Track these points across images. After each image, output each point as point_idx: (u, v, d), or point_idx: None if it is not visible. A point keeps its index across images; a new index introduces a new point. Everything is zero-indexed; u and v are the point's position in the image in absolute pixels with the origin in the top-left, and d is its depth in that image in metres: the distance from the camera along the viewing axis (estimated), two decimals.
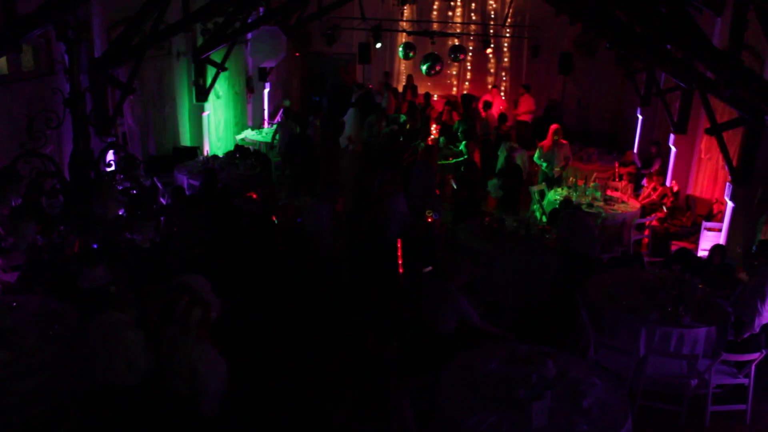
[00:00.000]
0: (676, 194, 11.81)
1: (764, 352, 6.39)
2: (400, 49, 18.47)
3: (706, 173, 11.99)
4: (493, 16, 19.33)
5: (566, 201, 9.68)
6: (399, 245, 9.12)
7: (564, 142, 12.35)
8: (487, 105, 16.51)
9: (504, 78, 19.92)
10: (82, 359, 5.72)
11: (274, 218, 8.97)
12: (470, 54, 19.50)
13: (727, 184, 9.21)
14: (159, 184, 11.32)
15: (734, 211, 9.15)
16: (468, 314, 6.44)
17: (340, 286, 8.91)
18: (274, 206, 9.15)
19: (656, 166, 13.01)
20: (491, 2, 19.28)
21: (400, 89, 19.23)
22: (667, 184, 12.53)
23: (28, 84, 8.93)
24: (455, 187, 10.87)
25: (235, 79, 15.72)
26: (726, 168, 9.39)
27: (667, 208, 11.41)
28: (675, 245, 10.28)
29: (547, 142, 12.30)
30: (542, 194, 11.74)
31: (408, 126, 14.46)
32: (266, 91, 17.74)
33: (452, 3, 19.15)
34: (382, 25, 18.22)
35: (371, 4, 18.25)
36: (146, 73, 11.98)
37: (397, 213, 9.15)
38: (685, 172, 12.71)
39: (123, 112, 10.77)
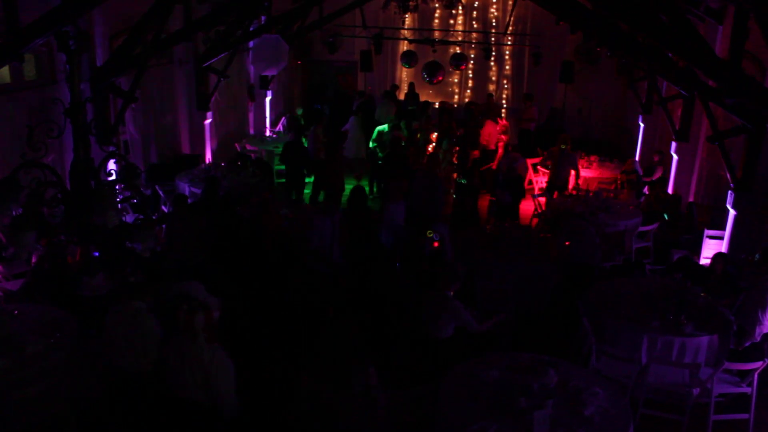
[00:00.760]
0: (676, 201, 11.80)
1: (767, 361, 6.36)
2: (402, 57, 18.53)
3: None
4: (494, 24, 19.38)
5: (569, 209, 9.68)
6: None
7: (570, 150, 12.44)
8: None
9: (505, 86, 19.95)
10: (85, 362, 5.74)
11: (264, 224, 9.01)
12: (471, 62, 19.53)
13: (729, 192, 9.20)
14: (161, 192, 11.33)
15: (736, 218, 9.13)
16: (466, 320, 6.49)
17: (338, 293, 8.88)
18: (265, 213, 9.17)
19: (658, 174, 13.00)
20: (492, 10, 19.33)
21: (402, 97, 19.27)
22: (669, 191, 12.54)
23: (31, 93, 8.95)
24: (454, 196, 10.86)
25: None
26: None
27: (668, 217, 11.40)
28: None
29: (554, 150, 12.39)
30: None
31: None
32: (268, 99, 17.77)
33: (454, 11, 19.20)
34: (384, 33, 18.27)
35: (372, 12, 18.30)
36: (148, 82, 12.01)
37: (393, 221, 9.34)
38: (687, 180, 12.71)
39: (125, 120, 10.80)
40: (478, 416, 5.11)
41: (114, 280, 6.93)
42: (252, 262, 8.74)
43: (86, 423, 5.88)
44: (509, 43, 19.33)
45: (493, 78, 19.99)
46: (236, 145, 15.34)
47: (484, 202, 12.87)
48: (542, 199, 12.38)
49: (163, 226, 9.08)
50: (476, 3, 19.29)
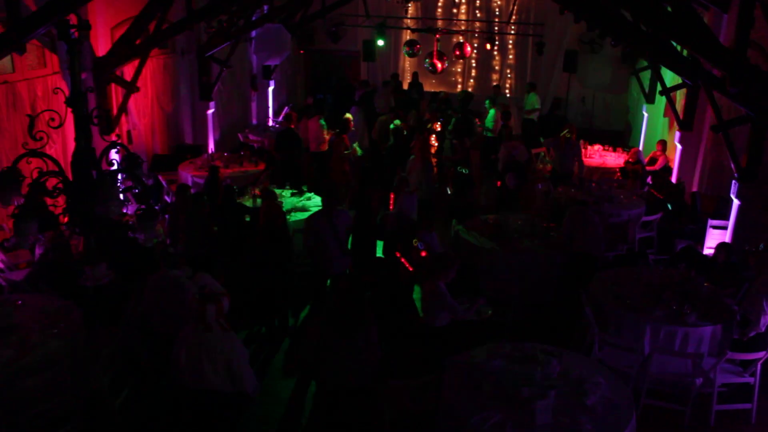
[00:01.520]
0: (680, 191, 11.76)
1: None
2: (404, 46, 18.46)
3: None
4: (497, 13, 19.29)
5: (575, 201, 9.63)
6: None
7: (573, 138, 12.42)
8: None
9: (509, 75, 19.88)
10: (85, 361, 5.76)
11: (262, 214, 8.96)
12: (475, 51, 19.46)
13: (733, 181, 9.16)
14: (163, 182, 11.33)
15: (740, 208, 9.09)
16: (453, 308, 6.49)
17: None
18: (271, 203, 9.14)
19: (661, 164, 12.96)
20: None
21: (405, 86, 19.22)
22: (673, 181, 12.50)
23: (33, 83, 8.94)
24: (449, 192, 10.82)
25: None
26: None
27: (671, 207, 11.36)
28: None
29: (559, 139, 12.37)
30: None
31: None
32: (270, 89, 17.74)
33: (456, 0, 19.12)
34: (387, 22, 18.20)
35: (375, 1, 18.23)
36: (150, 72, 11.99)
37: (401, 211, 9.21)
38: (691, 170, 12.66)
39: (127, 110, 10.79)
40: (481, 406, 5.11)
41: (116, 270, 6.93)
42: (255, 250, 8.73)
43: (91, 412, 5.93)
44: (512, 32, 19.25)
45: (497, 67, 19.92)
46: (239, 135, 15.33)
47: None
48: (545, 189, 12.34)
49: (166, 216, 9.09)
50: None
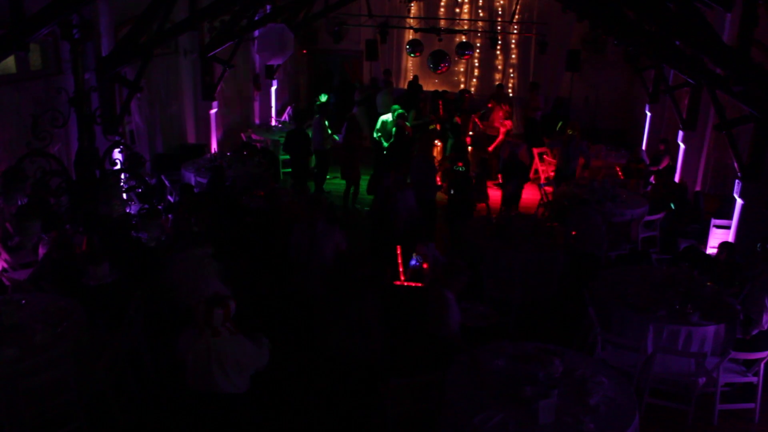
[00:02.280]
0: (683, 190, 11.75)
1: None
2: (407, 46, 18.47)
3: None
4: (500, 12, 19.28)
5: (578, 199, 9.63)
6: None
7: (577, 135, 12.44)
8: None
9: (512, 75, 19.86)
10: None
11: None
12: (477, 51, 19.45)
13: (736, 180, 9.15)
14: (167, 182, 11.34)
15: (743, 207, 9.09)
16: (449, 322, 6.38)
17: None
18: (278, 204, 9.14)
19: (665, 164, 12.94)
20: None
21: (405, 85, 19.22)
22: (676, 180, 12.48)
23: (36, 83, 8.96)
24: (451, 192, 10.82)
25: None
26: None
27: (674, 206, 11.35)
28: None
29: (562, 139, 12.38)
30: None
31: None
32: (273, 88, 17.75)
33: (459, 0, 19.12)
34: (389, 22, 18.19)
35: (378, 1, 18.22)
36: (153, 72, 12.01)
37: (406, 207, 9.35)
38: (694, 169, 12.65)
39: (130, 110, 10.80)
40: (483, 405, 5.11)
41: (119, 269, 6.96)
42: (261, 251, 8.73)
43: (94, 412, 5.93)
44: (515, 31, 19.23)
45: (499, 67, 19.90)
46: (242, 134, 15.35)
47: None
48: (549, 188, 12.35)
49: (170, 216, 9.10)
50: None
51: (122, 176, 8.21)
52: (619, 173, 13.12)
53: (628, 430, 4.97)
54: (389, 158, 12.61)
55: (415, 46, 18.36)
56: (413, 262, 8.47)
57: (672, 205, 11.26)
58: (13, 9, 6.96)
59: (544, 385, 5.25)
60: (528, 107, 17.85)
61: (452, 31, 18.62)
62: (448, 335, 6.31)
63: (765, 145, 8.80)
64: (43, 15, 6.80)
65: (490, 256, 8.72)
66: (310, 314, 7.45)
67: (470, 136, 16.25)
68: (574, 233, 8.93)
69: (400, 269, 9.00)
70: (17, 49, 7.07)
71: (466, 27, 19.25)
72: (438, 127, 15.19)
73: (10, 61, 8.59)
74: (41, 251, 7.53)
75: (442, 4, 19.48)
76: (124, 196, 8.15)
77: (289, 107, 18.01)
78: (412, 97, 17.00)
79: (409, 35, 19.18)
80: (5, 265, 7.65)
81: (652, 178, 12.76)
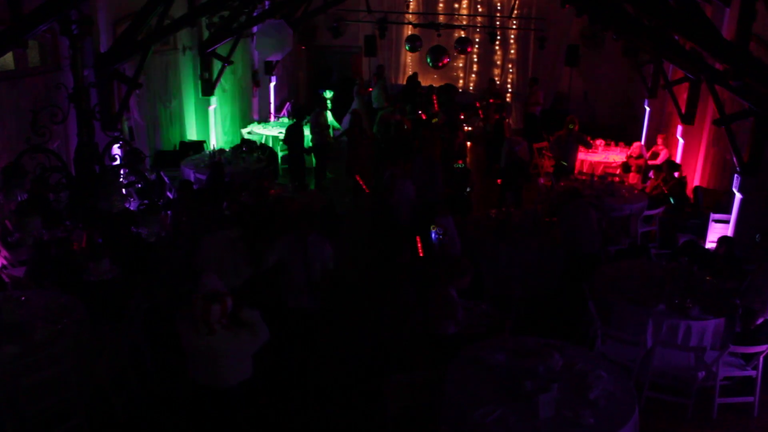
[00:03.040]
0: (682, 185, 11.75)
1: None
2: (406, 42, 18.46)
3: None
4: (499, 7, 19.25)
5: (572, 192, 9.62)
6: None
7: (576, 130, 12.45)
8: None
9: (510, 70, 19.85)
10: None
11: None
12: (476, 46, 19.43)
13: (735, 175, 9.16)
14: (166, 179, 11.34)
15: (742, 202, 9.09)
16: (458, 322, 6.39)
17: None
18: (266, 199, 9.17)
19: (663, 158, 12.94)
20: None
21: (404, 82, 19.21)
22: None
23: (35, 80, 8.95)
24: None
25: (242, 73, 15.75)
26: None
27: (673, 201, 11.36)
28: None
29: (561, 132, 12.37)
30: None
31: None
32: (272, 84, 17.74)
33: None
34: (388, 18, 18.17)
35: None
36: (152, 68, 12.00)
37: (407, 198, 9.48)
38: (693, 164, 12.65)
39: (129, 106, 10.79)
40: (484, 400, 5.12)
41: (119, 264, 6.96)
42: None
43: (95, 408, 5.94)
44: (514, 27, 19.21)
45: (498, 62, 19.89)
46: (241, 131, 15.34)
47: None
48: (548, 184, 12.35)
49: (169, 212, 9.09)
50: None
51: (122, 172, 8.21)
52: (619, 169, 13.10)
53: (628, 423, 4.98)
54: (388, 152, 12.64)
55: (413, 42, 18.34)
56: (433, 236, 8.42)
57: (671, 200, 11.26)
58: (11, 5, 6.96)
59: (544, 379, 5.26)
60: (527, 103, 17.84)
61: (451, 27, 18.60)
62: (449, 334, 6.33)
63: (764, 139, 8.80)
64: (41, 11, 6.79)
65: (490, 252, 8.73)
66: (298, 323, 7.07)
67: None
68: (559, 229, 8.95)
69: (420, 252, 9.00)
70: (16, 46, 7.07)
71: (464, 22, 19.22)
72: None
73: (9, 58, 8.57)
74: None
75: None
76: (124, 191, 8.15)
77: (288, 103, 17.99)
78: (411, 93, 17.04)
79: (408, 31, 19.16)
80: (5, 262, 7.65)
81: (651, 173, 12.77)
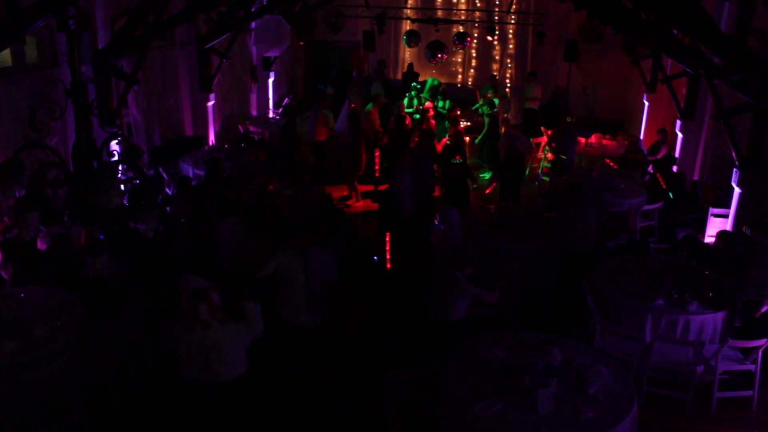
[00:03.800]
0: (681, 180, 11.76)
1: None
2: (404, 37, 18.41)
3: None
4: (498, 2, 19.20)
5: (572, 187, 9.61)
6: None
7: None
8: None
9: (509, 65, 19.81)
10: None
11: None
12: (475, 41, 19.40)
13: (734, 169, 9.15)
14: (164, 174, 11.32)
15: (741, 196, 9.09)
16: (479, 295, 6.48)
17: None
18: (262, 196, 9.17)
19: (662, 153, 12.94)
20: None
21: (399, 76, 19.21)
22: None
23: (32, 76, 8.92)
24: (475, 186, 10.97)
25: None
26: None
27: (672, 195, 11.36)
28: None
29: (559, 128, 12.37)
30: None
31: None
32: (270, 80, 17.70)
33: None
34: (386, 13, 18.12)
35: None
36: (150, 64, 11.96)
37: (407, 189, 9.93)
38: (692, 159, 12.65)
39: (127, 102, 10.77)
40: (483, 395, 5.13)
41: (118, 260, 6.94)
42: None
43: (95, 404, 5.94)
44: (513, 21, 19.17)
45: (497, 57, 19.84)
46: (239, 126, 15.31)
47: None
48: (546, 184, 12.36)
49: (168, 208, 9.08)
50: None
51: (120, 168, 8.19)
52: (627, 160, 13.08)
53: (627, 418, 4.99)
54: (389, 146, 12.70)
55: (412, 37, 18.29)
56: (437, 224, 8.54)
57: (670, 195, 11.26)
58: (8, 1, 6.93)
59: (543, 374, 5.27)
60: (526, 98, 17.80)
61: (449, 21, 18.55)
62: (453, 320, 6.37)
63: (763, 133, 8.80)
64: (38, 7, 6.77)
65: (489, 246, 8.73)
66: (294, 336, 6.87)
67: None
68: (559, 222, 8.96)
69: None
70: (13, 42, 7.04)
71: (463, 17, 19.17)
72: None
73: (6, 54, 8.55)
74: (40, 245, 7.52)
75: None
76: (122, 187, 8.14)
77: (286, 98, 17.96)
78: (407, 85, 17.01)
79: (407, 26, 19.11)
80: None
81: (650, 168, 12.77)
